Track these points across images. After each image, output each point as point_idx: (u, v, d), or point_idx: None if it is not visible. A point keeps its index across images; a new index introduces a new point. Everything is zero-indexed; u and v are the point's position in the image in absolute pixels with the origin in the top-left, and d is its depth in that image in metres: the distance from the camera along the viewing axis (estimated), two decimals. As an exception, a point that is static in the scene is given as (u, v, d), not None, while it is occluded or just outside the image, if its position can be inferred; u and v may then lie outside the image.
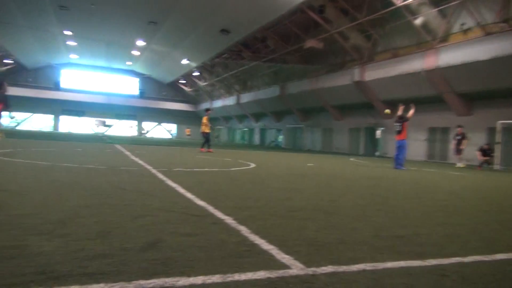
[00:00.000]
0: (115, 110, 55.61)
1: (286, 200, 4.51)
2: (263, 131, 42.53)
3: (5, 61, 47.35)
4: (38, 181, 4.94)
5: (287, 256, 2.29)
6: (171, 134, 60.03)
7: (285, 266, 2.12)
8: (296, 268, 2.11)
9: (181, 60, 41.60)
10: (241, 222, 3.11)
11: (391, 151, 19.52)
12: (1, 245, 2.20)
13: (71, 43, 41.34)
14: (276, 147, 34.36)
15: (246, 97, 39.96)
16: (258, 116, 41.74)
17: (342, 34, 22.92)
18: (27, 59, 47.93)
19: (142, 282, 1.77)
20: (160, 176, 6.12)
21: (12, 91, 51.49)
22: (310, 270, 2.08)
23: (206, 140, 15.24)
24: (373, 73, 21.89)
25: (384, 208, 4.41)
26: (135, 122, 58.09)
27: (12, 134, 24.43)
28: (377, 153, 24.87)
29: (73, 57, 49.79)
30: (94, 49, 43.77)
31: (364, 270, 2.14)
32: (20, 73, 51.69)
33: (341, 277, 2.02)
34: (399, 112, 11.74)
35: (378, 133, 24.92)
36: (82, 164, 7.46)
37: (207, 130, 15.40)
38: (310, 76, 28.83)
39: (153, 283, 1.77)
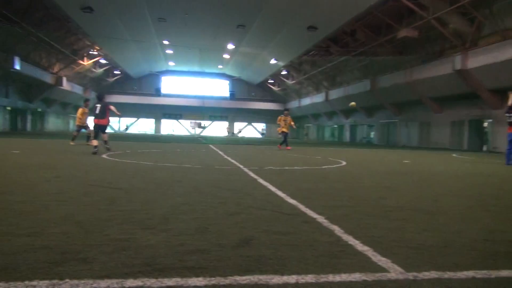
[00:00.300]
0: (208, 112, 58.74)
1: (381, 199, 4.29)
2: (353, 128, 41.23)
3: (114, 72, 52.96)
4: (143, 180, 5.41)
5: (384, 259, 2.17)
6: (261, 133, 61.38)
7: (382, 269, 2.01)
8: (395, 272, 1.98)
9: (269, 60, 42.26)
10: (333, 221, 3.04)
11: (502, 146, 17.43)
12: (115, 237, 2.44)
13: (169, 51, 44.63)
14: (368, 144, 33.05)
15: (335, 93, 39.11)
16: (348, 113, 40.57)
17: (440, 20, 21.15)
18: (132, 69, 53.00)
19: (237, 278, 1.83)
20: (252, 174, 6.28)
21: (121, 99, 57.47)
22: (411, 275, 1.94)
23: (284, 139, 15.93)
24: (478, 60, 19.80)
25: (495, 209, 3.95)
26: (227, 123, 60.57)
27: (122, 137, 27.16)
28: (484, 148, 22.47)
29: (171, 64, 53.72)
30: (189, 56, 46.61)
31: (474, 278, 1.94)
32: (126, 82, 57.41)
33: (447, 284, 1.85)
34: (510, 102, 10.43)
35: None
36: (181, 164, 7.99)
37: (285, 130, 15.91)
38: (404, 68, 27.16)
39: (247, 279, 1.81)
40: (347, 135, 42.12)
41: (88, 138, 14.12)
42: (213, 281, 1.78)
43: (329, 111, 43.89)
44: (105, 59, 45.92)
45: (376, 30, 27.17)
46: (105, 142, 10.85)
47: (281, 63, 43.33)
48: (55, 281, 1.72)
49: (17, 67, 29.78)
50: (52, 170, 6.08)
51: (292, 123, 16.26)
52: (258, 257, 2.15)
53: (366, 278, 1.87)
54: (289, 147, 15.97)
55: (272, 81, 55.25)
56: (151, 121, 60.26)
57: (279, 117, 16.43)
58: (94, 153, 9.62)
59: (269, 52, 39.53)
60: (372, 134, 37.91)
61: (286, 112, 16.45)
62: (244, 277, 1.83)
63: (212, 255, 2.17)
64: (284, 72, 48.11)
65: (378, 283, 1.83)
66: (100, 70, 48.87)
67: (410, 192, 5.01)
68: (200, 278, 1.81)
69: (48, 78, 37.65)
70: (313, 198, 4.17)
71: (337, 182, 5.84)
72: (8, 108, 35.81)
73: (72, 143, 14.07)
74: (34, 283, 1.70)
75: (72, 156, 9.23)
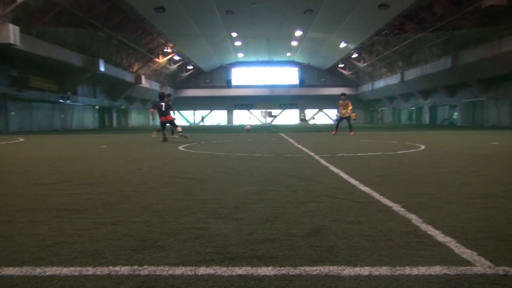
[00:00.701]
0: (278, 101, 58.85)
1: (464, 185, 3.95)
2: (433, 109, 38.56)
3: (187, 67, 55.22)
4: (216, 170, 5.58)
5: (468, 251, 1.99)
6: (333, 119, 60.06)
7: (467, 263, 1.84)
8: (481, 265, 1.81)
9: (339, 44, 41.02)
10: (410, 210, 2.86)
11: None
12: (190, 226, 2.54)
13: (237, 43, 45.36)
14: (451, 126, 30.71)
15: (411, 74, 36.83)
16: (426, 93, 38.01)
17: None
18: (204, 63, 54.81)
19: (307, 268, 1.80)
20: (323, 162, 6.16)
21: (195, 92, 59.81)
22: (500, 269, 1.75)
23: (338, 123, 16.06)
24: None
25: None
26: (299, 111, 60.17)
27: (197, 129, 28.32)
28: None
29: (240, 56, 54.61)
30: (257, 46, 46.98)
31: None
32: (199, 76, 59.60)
33: (546, 281, 1.64)
34: None
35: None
36: (252, 153, 8.11)
37: (346, 114, 15.80)
38: (491, 40, 24.64)
39: (317, 270, 1.77)
40: (426, 117, 39.56)
41: (172, 131, 14.92)
42: (283, 271, 1.77)
43: (405, 92, 41.53)
44: (178, 55, 48.09)
45: (457, 1, 24.93)
46: (180, 132, 12.52)
47: (352, 46, 41.80)
48: (135, 267, 1.83)
49: (102, 69, 32.38)
50: (135, 163, 6.53)
51: (350, 107, 15.91)
52: (329, 247, 2.10)
53: (448, 272, 1.73)
54: (352, 133, 15.70)
55: (343, 65, 53.65)
56: (224, 113, 62.04)
57: (339, 102, 16.04)
58: (165, 140, 12.25)
59: (338, 36, 38.33)
60: (455, 115, 35.14)
61: (342, 97, 15.89)
62: (314, 268, 1.80)
63: (282, 244, 2.16)
64: (355, 55, 46.41)
65: (462, 277, 1.68)
66: (174, 67, 51.33)
67: (499, 177, 4.55)
68: (270, 268, 1.81)
69: (129, 77, 40.46)
70: (388, 186, 3.97)
71: (414, 168, 5.50)
72: (97, 107, 39.24)
73: (154, 136, 14.99)
74: (117, 268, 1.83)
75: (152, 149, 9.83)
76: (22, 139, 15.43)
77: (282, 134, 17.89)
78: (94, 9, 28.03)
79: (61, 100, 31.67)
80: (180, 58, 49.85)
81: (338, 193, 3.61)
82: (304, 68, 58.74)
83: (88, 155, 8.29)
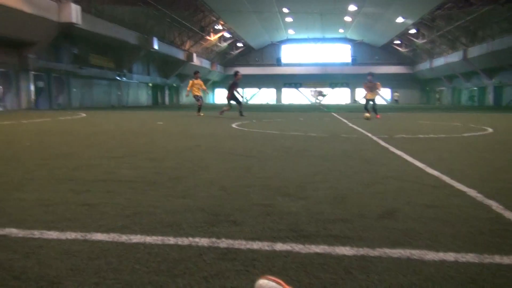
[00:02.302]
0: (329, 79, 57.51)
1: (546, 172, 3.66)
2: (498, 89, 35.89)
3: (237, 45, 55.26)
4: (273, 148, 5.59)
5: None
6: (386, 100, 57.82)
7: None
8: None
9: (396, 19, 39.00)
10: (489, 196, 2.69)
11: None
12: (258, 203, 2.57)
13: (288, 19, 44.55)
14: (517, 107, 28.50)
15: (475, 51, 34.31)
16: (491, 72, 35.37)
17: None
18: (254, 40, 54.52)
19: (386, 250, 1.75)
20: (382, 143, 5.97)
21: (244, 70, 59.86)
22: None
23: (369, 105, 14.17)
24: None
25: None
26: (349, 90, 58.56)
27: (246, 108, 28.51)
28: None
29: (291, 32, 53.65)
30: (309, 22, 45.83)
31: None
32: (249, 54, 59.49)
33: None
34: None
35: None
36: (307, 132, 8.03)
37: (372, 96, 14.30)
38: None
39: (398, 253, 1.73)
40: (490, 98, 36.95)
41: (198, 109, 15.71)
42: (362, 251, 1.74)
43: (467, 71, 38.91)
44: (229, 32, 48.16)
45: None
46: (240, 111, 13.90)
47: (410, 21, 39.59)
48: (213, 239, 1.89)
49: (156, 46, 33.22)
50: (192, 139, 6.70)
51: (380, 89, 14.52)
52: (406, 230, 2.03)
53: (543, 263, 1.62)
54: (378, 116, 14.12)
55: (399, 42, 51.08)
56: (272, 91, 61.75)
57: (365, 84, 14.62)
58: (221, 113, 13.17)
59: (395, 10, 36.41)
60: (524, 96, 32.53)
61: (369, 77, 14.46)
62: (394, 250, 1.75)
63: (355, 225, 2.12)
64: (413, 31, 43.95)
65: (560, 270, 1.56)
66: (224, 44, 51.56)
67: None
68: (347, 248, 1.79)
69: (181, 55, 41.24)
70: (459, 169, 3.77)
71: (485, 152, 5.17)
72: (150, 84, 40.55)
73: (198, 114, 15.46)
74: (197, 239, 1.89)
75: (205, 126, 10.03)
76: (84, 115, 16.36)
77: (334, 114, 17.54)
78: (149, -13, 28.58)
79: (117, 77, 33.04)
80: (231, 35, 49.90)
81: (404, 176, 3.48)
82: (357, 45, 56.66)
83: (147, 130, 8.62)
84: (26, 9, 19.29)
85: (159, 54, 36.26)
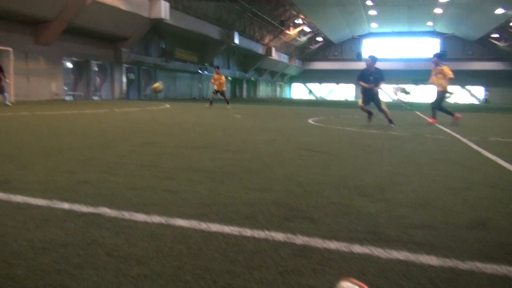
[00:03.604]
0: (413, 76, 54.23)
1: None
2: None
3: (317, 39, 54.49)
4: (351, 146, 5.42)
5: None
6: (479, 99, 53.04)
7: None
8: None
9: (494, 10, 35.42)
10: None
11: None
12: (335, 201, 2.51)
13: (372, 12, 42.81)
14: None
15: None
16: None
17: None
18: (334, 35, 53.33)
19: (478, 264, 1.60)
20: (473, 146, 5.48)
21: (323, 65, 59.04)
22: None
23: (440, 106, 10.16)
24: None
25: None
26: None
27: (324, 103, 28.06)
28: None
29: (374, 26, 51.55)
30: (394, 15, 43.63)
31: None
32: (328, 49, 58.35)
33: None
34: None
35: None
36: (387, 131, 7.66)
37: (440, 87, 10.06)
38: None
39: (492, 268, 1.56)
40: None
41: (211, 102, 16.32)
42: (449, 263, 1.61)
43: None
44: (309, 26, 47.67)
45: None
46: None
47: None
48: (289, 235, 1.88)
49: (236, 41, 34.06)
50: (268, 133, 6.76)
51: (450, 76, 9.90)
52: (501, 243, 1.84)
53: None
54: (432, 120, 9.96)
55: (497, 36, 46.35)
56: (351, 87, 59.99)
57: (433, 69, 10.72)
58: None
59: (495, 0, 33.05)
60: None
61: (435, 59, 10.60)
62: (487, 265, 1.59)
63: (441, 233, 1.97)
64: (514, 23, 39.59)
65: None
66: (304, 39, 51.16)
67: None
68: (433, 257, 1.66)
69: (260, 49, 41.80)
70: None
71: None
72: (229, 78, 41.75)
73: (207, 106, 15.83)
74: (273, 234, 1.90)
75: (281, 120, 10.06)
76: (168, 106, 17.36)
77: (418, 112, 16.53)
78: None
79: (199, 71, 34.51)
80: (310, 30, 49.35)
81: (499, 183, 3.16)
82: (448, 39, 52.58)
83: (225, 123, 8.89)
84: (123, 6, 20.94)
85: (239, 48, 37.14)
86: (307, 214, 2.22)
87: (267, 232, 1.91)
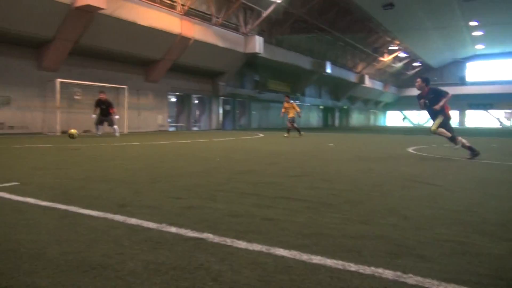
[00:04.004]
0: (529, 99, 48.37)
1: None
2: None
3: (413, 64, 51.97)
4: (461, 177, 4.93)
5: None
6: None
7: None
8: None
9: None
10: None
11: None
12: (448, 238, 2.26)
13: (477, 33, 39.71)
14: None
15: None
16: None
17: None
18: (433, 59, 50.40)
19: None
20: None
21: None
22: None
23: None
24: None
25: None
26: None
27: (422, 131, 26.30)
28: None
29: (479, 47, 47.59)
30: (504, 35, 39.89)
31: None
32: (426, 73, 55.09)
33: None
34: None
35: None
36: (503, 161, 6.84)
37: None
38: None
39: None
40: None
41: (288, 130, 16.08)
42: None
43: None
44: (404, 52, 45.86)
45: None
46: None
47: None
48: (399, 273, 1.73)
49: (328, 70, 34.07)
50: (364, 162, 6.49)
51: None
52: None
53: None
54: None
55: None
56: (455, 113, 55.48)
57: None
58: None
59: None
60: None
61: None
62: None
63: None
64: None
65: None
66: (399, 64, 49.24)
67: None
68: None
69: (352, 78, 41.19)
70: None
71: None
72: (321, 107, 41.67)
73: (286, 135, 15.26)
74: (380, 270, 1.76)
75: (378, 149, 9.62)
76: (261, 135, 17.84)
77: (538, 140, 14.53)
78: (324, 14, 29.74)
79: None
80: (407, 55, 47.34)
81: None
82: None
83: (320, 152, 8.80)
84: (221, 44, 22.50)
85: (331, 77, 37.08)
86: (417, 252, 2.03)
87: (373, 268, 1.79)
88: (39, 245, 2.06)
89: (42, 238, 2.19)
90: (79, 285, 1.58)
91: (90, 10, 15.17)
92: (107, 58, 18.83)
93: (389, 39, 40.80)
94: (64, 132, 15.33)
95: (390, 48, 43.74)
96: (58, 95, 15.86)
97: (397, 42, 41.98)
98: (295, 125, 16.27)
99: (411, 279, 1.68)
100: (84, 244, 2.10)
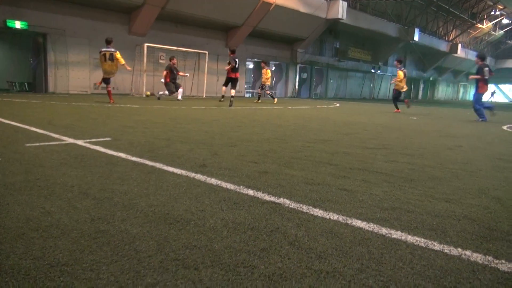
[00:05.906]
0: None
1: None
2: None
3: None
4: None
5: None
6: None
7: None
8: None
9: None
10: None
11: None
12: (550, 226, 2.04)
13: None
14: None
15: None
16: None
17: None
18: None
19: None
20: None
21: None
22: None
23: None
24: None
25: None
26: None
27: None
28: None
29: None
30: None
31: None
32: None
33: None
34: None
35: None
36: None
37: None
38: None
39: None
40: None
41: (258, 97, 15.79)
42: None
43: None
44: (508, 18, 40.78)
45: None
46: None
47: None
48: (490, 258, 1.60)
49: (416, 38, 31.61)
50: (452, 138, 6.03)
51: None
52: None
53: None
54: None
55: None
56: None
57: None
58: None
59: None
60: None
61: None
62: None
63: None
64: None
65: None
66: (500, 32, 44.09)
67: None
68: None
69: (443, 46, 37.86)
70: None
71: None
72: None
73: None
74: (467, 253, 1.65)
75: (468, 126, 8.86)
76: (338, 105, 17.35)
77: None
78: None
79: (372, 70, 33.39)
80: (510, 21, 42.07)
81: None
82: None
83: (400, 124, 8.34)
84: (302, 9, 21.87)
85: (418, 45, 34.45)
86: (511, 237, 1.86)
87: (460, 250, 1.67)
88: (130, 196, 2.25)
89: (133, 189, 2.39)
90: (165, 236, 1.70)
91: (175, -24, 15.57)
92: (190, 24, 19.37)
93: (491, 3, 36.41)
94: (152, 94, 16.35)
95: (491, 13, 39.11)
96: (145, 59, 16.80)
97: (500, 7, 37.32)
98: (269, 92, 16.83)
99: (504, 265, 1.54)
100: (169, 198, 2.24)
